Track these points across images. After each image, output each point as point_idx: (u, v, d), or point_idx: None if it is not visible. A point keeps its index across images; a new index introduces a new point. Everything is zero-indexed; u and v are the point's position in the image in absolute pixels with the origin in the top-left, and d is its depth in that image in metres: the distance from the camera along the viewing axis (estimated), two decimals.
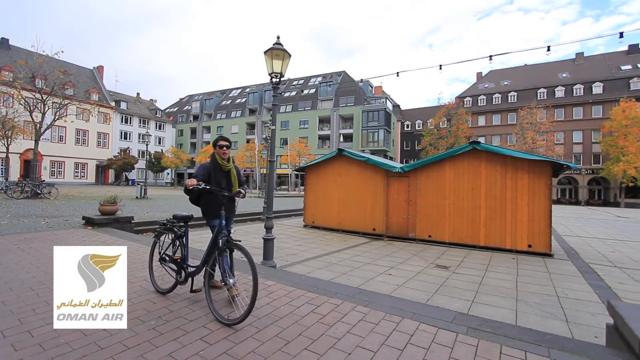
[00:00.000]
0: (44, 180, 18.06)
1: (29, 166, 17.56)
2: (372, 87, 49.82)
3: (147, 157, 46.64)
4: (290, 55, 5.28)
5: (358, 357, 2.18)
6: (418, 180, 8.51)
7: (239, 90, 60.62)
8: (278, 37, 5.27)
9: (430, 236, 8.32)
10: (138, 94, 55.95)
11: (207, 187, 2.92)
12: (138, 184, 17.63)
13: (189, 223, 3.38)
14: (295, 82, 55.49)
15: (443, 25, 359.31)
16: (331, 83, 47.19)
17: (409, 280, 5.02)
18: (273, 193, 5.47)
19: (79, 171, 42.46)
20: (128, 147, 47.40)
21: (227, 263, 2.90)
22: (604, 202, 39.84)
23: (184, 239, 3.23)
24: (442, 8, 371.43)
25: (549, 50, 11.13)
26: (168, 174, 54.60)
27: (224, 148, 3.24)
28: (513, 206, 7.31)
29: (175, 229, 3.26)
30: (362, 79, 16.22)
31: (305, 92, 51.25)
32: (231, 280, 2.82)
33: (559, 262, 6.59)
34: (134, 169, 44.72)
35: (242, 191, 3.13)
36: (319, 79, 52.01)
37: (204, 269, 2.91)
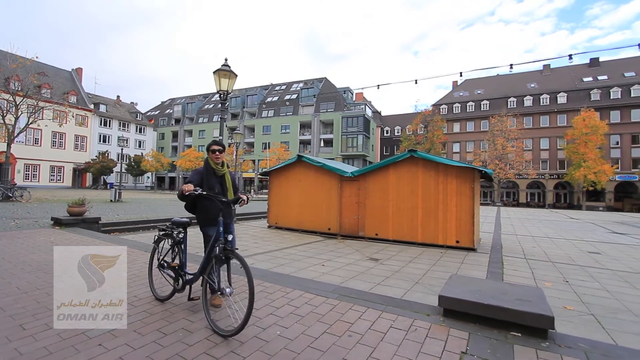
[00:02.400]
0: (15, 184, 18.12)
1: (1, 169, 17.58)
2: (352, 94, 51.13)
3: (127, 160, 46.34)
4: (236, 75, 6.07)
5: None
6: (367, 184, 9.42)
7: None
8: (226, 60, 6.05)
9: (377, 234, 9.22)
10: (118, 96, 55.46)
11: (204, 192, 2.87)
12: (113, 188, 17.95)
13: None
14: (277, 88, 56.30)
15: (428, 33, 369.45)
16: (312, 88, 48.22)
17: (337, 269, 5.86)
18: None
19: (54, 174, 41.77)
20: (107, 151, 46.92)
21: (224, 271, 2.86)
22: (569, 205, 42.19)
23: (182, 245, 3.22)
24: (428, 18, 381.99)
25: (570, 58, 12.02)
26: (148, 177, 54.16)
27: (217, 152, 3.18)
28: (444, 207, 8.30)
29: (174, 235, 3.26)
30: (378, 86, 16.37)
31: (287, 97, 52.11)
32: (228, 290, 2.75)
33: (478, 255, 7.60)
34: (112, 172, 44.28)
35: (243, 197, 3.05)
36: (301, 84, 53.02)
37: (201, 277, 2.88)
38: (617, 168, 38.95)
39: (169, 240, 3.32)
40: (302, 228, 10.59)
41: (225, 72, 5.93)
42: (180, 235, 3.24)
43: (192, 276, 3.03)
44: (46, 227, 8.01)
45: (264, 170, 12.13)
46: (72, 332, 2.52)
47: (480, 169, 8.01)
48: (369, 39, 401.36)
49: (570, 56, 11.65)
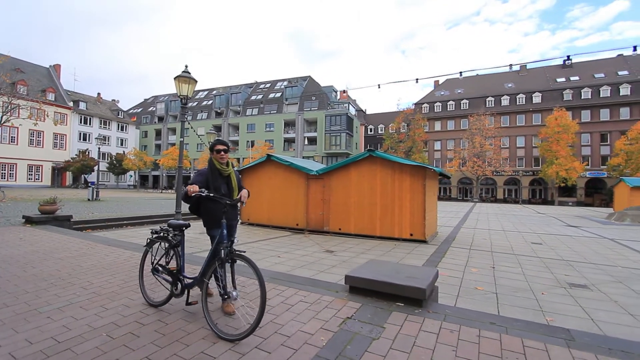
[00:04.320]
0: None
1: None
2: (336, 92, 51.71)
3: (108, 158, 45.78)
4: (196, 81, 6.53)
5: None
6: (330, 182, 9.99)
7: (205, 92, 60.54)
8: (186, 66, 6.50)
9: (340, 229, 9.81)
10: (99, 93, 54.49)
11: (211, 194, 2.81)
12: (89, 187, 18.04)
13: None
14: (262, 86, 56.37)
15: (416, 33, 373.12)
16: (296, 86, 48.57)
17: (290, 260, 6.40)
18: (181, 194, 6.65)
19: (33, 174, 40.92)
20: (87, 149, 46.12)
21: (229, 275, 2.79)
22: (544, 201, 43.99)
23: (179, 248, 3.09)
24: (416, 17, 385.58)
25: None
26: (131, 176, 53.54)
27: (222, 152, 3.05)
28: (399, 203, 8.94)
29: (170, 238, 3.13)
30: (349, 88, 17.19)
31: (272, 95, 52.30)
32: (234, 293, 2.67)
33: (428, 246, 8.27)
34: (93, 171, 43.63)
35: (242, 196, 2.97)
36: (285, 83, 53.28)
37: (202, 280, 2.78)
38: (587, 165, 40.83)
39: (164, 243, 3.18)
40: (272, 224, 11.10)
41: (185, 78, 6.36)
42: (177, 238, 3.11)
43: (192, 280, 2.92)
44: (17, 225, 8.28)
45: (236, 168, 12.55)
46: (26, 309, 2.98)
47: (430, 167, 8.67)
48: (357, 37, 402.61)
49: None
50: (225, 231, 2.78)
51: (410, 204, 8.78)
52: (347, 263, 6.25)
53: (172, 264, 3.10)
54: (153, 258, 3.24)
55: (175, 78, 6.38)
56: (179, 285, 2.99)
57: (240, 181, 3.25)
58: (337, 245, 8.18)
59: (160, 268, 3.18)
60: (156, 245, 3.28)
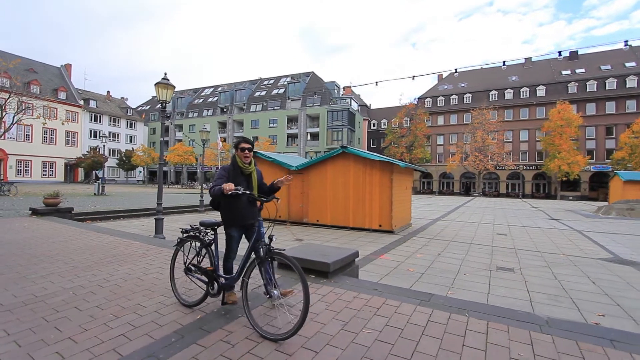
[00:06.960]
0: (7, 180, 19.31)
1: None
2: (338, 88, 52.10)
3: (118, 155, 47.38)
4: (174, 87, 7.31)
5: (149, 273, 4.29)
6: (309, 177, 10.72)
7: (211, 89, 61.69)
8: (165, 74, 7.28)
9: (317, 220, 10.56)
10: (108, 92, 56.21)
11: (248, 192, 2.79)
12: (95, 182, 19.23)
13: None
14: (265, 82, 57.14)
15: (426, 25, 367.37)
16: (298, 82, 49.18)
17: None
18: (162, 188, 7.48)
19: (46, 170, 42.83)
20: (97, 146, 47.79)
21: (269, 273, 2.73)
22: (547, 195, 43.73)
23: (212, 247, 3.05)
24: (426, 8, 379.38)
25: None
26: (140, 172, 55.27)
27: (246, 151, 3.04)
28: (370, 196, 9.62)
29: (201, 237, 3.10)
30: (376, 83, 17.69)
31: (275, 92, 53.04)
32: (275, 292, 2.67)
33: (393, 236, 8.94)
34: (104, 167, 45.36)
35: (277, 197, 3.01)
36: (289, 79, 53.91)
37: (240, 279, 2.77)
38: (592, 159, 40.39)
39: (196, 242, 3.17)
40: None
41: (164, 84, 7.15)
42: (210, 237, 3.09)
43: (228, 279, 2.93)
44: (25, 216, 9.30)
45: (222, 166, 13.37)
46: (16, 276, 3.84)
47: (396, 162, 9.31)
48: (366, 30, 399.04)
49: (505, 63, 12.59)
50: (263, 229, 2.86)
51: (379, 197, 9.45)
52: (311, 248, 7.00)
53: (206, 263, 3.08)
54: (185, 258, 3.22)
55: (155, 84, 7.17)
56: (215, 285, 2.98)
57: (261, 179, 3.26)
58: (310, 235, 8.93)
59: (193, 268, 3.14)
60: (188, 244, 3.27)
